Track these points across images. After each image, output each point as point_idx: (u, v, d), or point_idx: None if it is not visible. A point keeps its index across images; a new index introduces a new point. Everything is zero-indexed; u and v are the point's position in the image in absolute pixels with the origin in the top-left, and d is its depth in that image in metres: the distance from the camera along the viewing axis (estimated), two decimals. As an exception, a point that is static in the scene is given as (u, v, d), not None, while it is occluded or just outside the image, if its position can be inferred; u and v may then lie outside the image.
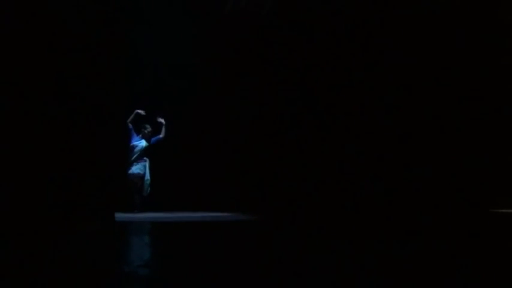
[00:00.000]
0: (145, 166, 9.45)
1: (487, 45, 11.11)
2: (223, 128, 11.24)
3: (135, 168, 9.33)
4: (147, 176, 9.43)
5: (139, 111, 9.27)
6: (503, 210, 10.83)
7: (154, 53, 10.93)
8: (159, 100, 10.46)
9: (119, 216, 6.63)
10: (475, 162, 10.97)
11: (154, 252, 3.72)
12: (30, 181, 5.22)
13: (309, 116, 10.71)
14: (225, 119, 11.28)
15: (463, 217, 8.32)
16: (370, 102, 10.61)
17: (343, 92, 10.58)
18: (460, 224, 6.90)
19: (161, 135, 9.52)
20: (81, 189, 5.55)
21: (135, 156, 9.34)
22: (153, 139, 9.51)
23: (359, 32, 10.61)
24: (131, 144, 9.33)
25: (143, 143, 9.40)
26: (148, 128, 9.43)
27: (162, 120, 9.53)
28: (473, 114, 11.06)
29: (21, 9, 5.33)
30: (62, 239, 4.37)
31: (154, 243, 4.51)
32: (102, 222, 5.69)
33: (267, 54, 11.03)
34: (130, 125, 9.27)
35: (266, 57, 11.03)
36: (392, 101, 10.64)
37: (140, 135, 9.40)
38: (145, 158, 9.47)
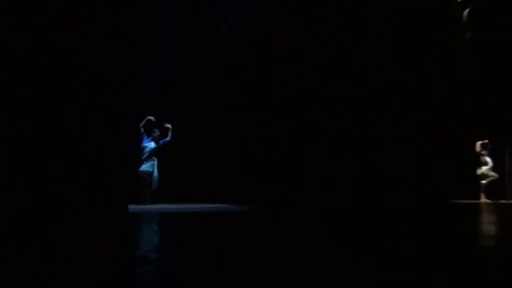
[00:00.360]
0: (153, 164, 9.59)
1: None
2: (221, 128, 11.20)
3: (145, 166, 9.44)
4: (155, 173, 9.57)
5: (150, 117, 9.40)
6: (462, 201, 10.87)
7: (161, 68, 10.94)
8: (166, 108, 10.47)
9: (132, 207, 6.56)
10: (438, 160, 11.01)
11: (162, 239, 3.65)
12: (55, 176, 5.15)
13: (300, 116, 10.72)
14: (222, 120, 11.24)
15: (427, 207, 8.31)
16: (351, 104, 10.67)
17: (330, 94, 10.63)
18: (423, 213, 6.86)
19: (168, 138, 9.69)
20: (99, 183, 5.50)
21: (145, 155, 9.47)
22: (161, 141, 9.67)
23: (344, 47, 10.67)
24: (142, 146, 9.44)
25: (152, 145, 9.53)
26: (157, 132, 9.58)
27: (169, 126, 9.68)
28: (435, 116, 11.12)
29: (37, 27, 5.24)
30: (82, 227, 4.29)
31: (162, 231, 4.44)
32: (117, 213, 5.62)
33: (260, 67, 11.01)
34: (142, 129, 9.40)
35: (259, 68, 11.02)
36: (368, 103, 10.70)
37: (150, 138, 9.52)
38: (154, 158, 9.58)
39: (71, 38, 5.47)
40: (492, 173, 11.33)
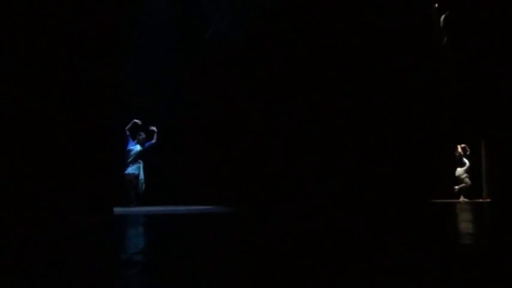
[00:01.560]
0: (139, 167, 9.50)
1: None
2: (206, 130, 11.17)
3: (131, 169, 9.35)
4: (141, 176, 9.46)
5: (136, 120, 9.30)
6: (440, 200, 11.01)
7: (146, 71, 10.87)
8: (152, 111, 10.40)
9: (117, 210, 6.50)
10: (418, 161, 11.14)
11: (148, 242, 3.62)
12: (40, 179, 5.08)
13: (285, 118, 10.75)
14: (207, 123, 11.21)
15: (406, 206, 8.39)
16: (335, 106, 10.75)
17: (314, 96, 10.70)
18: (402, 211, 6.93)
19: (153, 141, 9.60)
20: (83, 186, 5.43)
21: (131, 158, 9.39)
22: (147, 144, 9.59)
23: (327, 51, 10.75)
24: (128, 148, 9.34)
25: (138, 148, 9.44)
26: (143, 135, 9.51)
27: (154, 128, 9.60)
28: (415, 118, 11.27)
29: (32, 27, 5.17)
30: (66, 230, 4.23)
31: (148, 233, 4.40)
32: (102, 216, 5.56)
33: (244, 71, 11.02)
34: (127, 132, 9.26)
35: (243, 72, 11.02)
36: (351, 104, 10.79)
37: (135, 141, 9.43)
38: (139, 160, 9.49)
39: (56, 40, 5.41)
40: (466, 179, 11.54)
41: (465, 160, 11.63)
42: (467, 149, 11.59)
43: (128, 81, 9.62)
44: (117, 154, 6.95)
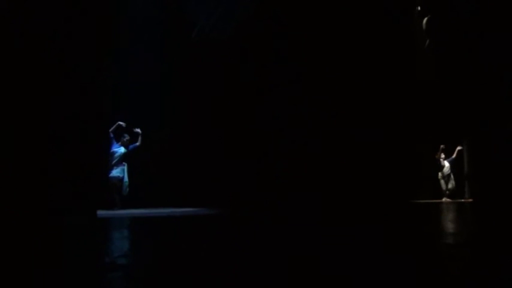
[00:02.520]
0: (123, 170, 9.41)
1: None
2: (190, 132, 11.12)
3: (115, 172, 9.27)
4: (126, 178, 9.37)
5: (120, 123, 9.24)
6: (422, 201, 11.13)
7: (130, 73, 10.79)
8: (135, 113, 10.32)
9: (101, 213, 6.43)
10: (400, 162, 11.26)
11: (131, 245, 3.59)
12: (21, 181, 5.01)
13: (268, 119, 10.78)
14: (191, 124, 11.17)
15: (388, 206, 8.47)
16: (318, 109, 10.81)
17: (298, 98, 10.75)
18: (385, 211, 6.99)
19: (138, 143, 9.53)
20: (67, 188, 5.37)
21: (115, 160, 9.30)
22: (131, 146, 9.53)
23: (312, 52, 10.81)
24: (112, 151, 9.24)
25: (122, 150, 9.38)
26: (127, 137, 9.45)
27: (139, 130, 9.54)
28: (398, 120, 11.39)
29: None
30: (49, 233, 4.17)
31: (132, 236, 4.36)
32: (85, 218, 5.50)
33: (230, 72, 11.02)
34: (111, 134, 9.17)
35: (229, 73, 11.02)
36: (334, 107, 10.87)
37: (119, 143, 9.36)
38: (124, 163, 9.41)
39: (38, 41, 5.34)
40: (441, 181, 11.73)
41: (445, 162, 11.80)
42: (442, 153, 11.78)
43: (113, 81, 9.57)
44: (100, 156, 6.88)
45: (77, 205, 5.48)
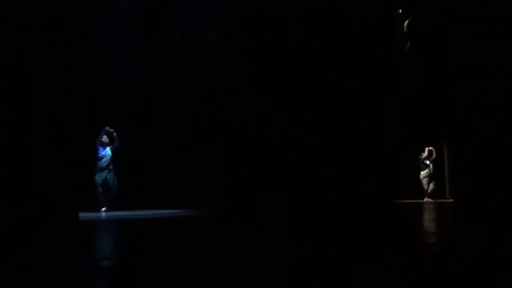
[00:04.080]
0: (111, 173, 9.33)
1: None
2: (174, 134, 11.06)
3: (103, 175, 9.20)
4: (114, 181, 9.33)
5: (107, 128, 9.26)
6: (404, 201, 11.27)
7: (113, 75, 10.69)
8: (118, 115, 10.25)
9: (89, 215, 6.38)
10: (383, 163, 11.39)
11: (115, 247, 3.56)
12: (4, 186, 4.94)
13: (252, 121, 10.80)
14: (175, 126, 11.10)
15: (372, 206, 8.55)
16: (302, 110, 10.88)
17: (282, 100, 10.80)
18: (369, 211, 7.06)
19: (115, 143, 9.44)
20: (47, 191, 5.30)
21: (102, 164, 9.25)
22: (112, 147, 9.41)
23: (295, 53, 10.87)
24: (99, 155, 9.26)
25: (109, 153, 9.38)
26: (105, 138, 9.37)
27: (111, 130, 9.40)
28: (381, 122, 11.53)
29: None
30: (32, 236, 4.11)
31: (115, 238, 4.33)
32: (67, 221, 5.43)
33: (212, 74, 10.99)
34: (99, 140, 9.20)
35: (211, 75, 10.99)
36: (319, 109, 10.95)
37: (104, 147, 9.31)
38: (111, 167, 9.35)
39: (16, 45, 5.27)
40: (424, 181, 11.90)
41: (427, 163, 11.97)
42: (433, 153, 11.92)
43: (93, 82, 9.49)
44: (81, 158, 6.79)
45: (58, 208, 5.41)
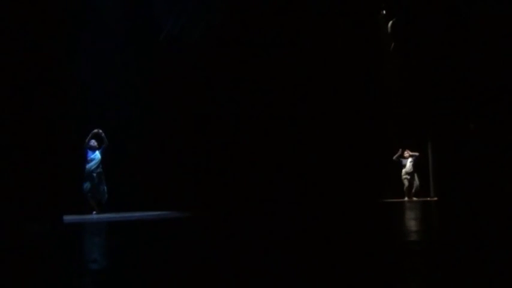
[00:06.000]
0: (101, 175, 9.29)
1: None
2: (160, 136, 11.03)
3: (93, 177, 9.18)
4: (103, 184, 9.27)
5: (95, 131, 9.22)
6: (388, 200, 11.40)
7: (98, 76, 10.63)
8: (104, 117, 10.21)
9: (78, 218, 6.34)
10: (367, 162, 11.50)
11: (102, 249, 3.56)
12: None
13: (238, 122, 10.82)
14: (161, 128, 11.07)
15: (358, 205, 8.63)
16: (287, 110, 10.93)
17: (269, 101, 10.84)
18: (354, 210, 7.13)
19: (105, 144, 9.37)
20: (30, 194, 5.26)
21: (94, 167, 9.24)
22: (101, 149, 9.38)
23: (282, 54, 10.91)
24: (88, 158, 9.24)
25: (98, 156, 9.34)
26: (93, 141, 9.30)
27: (99, 131, 9.34)
28: (366, 121, 11.64)
29: None
30: (16, 239, 4.08)
31: (102, 241, 4.32)
32: (51, 224, 5.40)
33: (198, 74, 10.99)
34: (88, 143, 9.18)
35: (197, 76, 10.99)
36: (304, 108, 11.01)
37: (93, 150, 9.26)
38: (99, 170, 9.29)
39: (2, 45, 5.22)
40: (405, 180, 12.03)
41: (405, 162, 12.09)
42: (408, 152, 12.04)
43: (78, 83, 9.44)
44: (64, 160, 6.74)
45: (42, 211, 5.37)
